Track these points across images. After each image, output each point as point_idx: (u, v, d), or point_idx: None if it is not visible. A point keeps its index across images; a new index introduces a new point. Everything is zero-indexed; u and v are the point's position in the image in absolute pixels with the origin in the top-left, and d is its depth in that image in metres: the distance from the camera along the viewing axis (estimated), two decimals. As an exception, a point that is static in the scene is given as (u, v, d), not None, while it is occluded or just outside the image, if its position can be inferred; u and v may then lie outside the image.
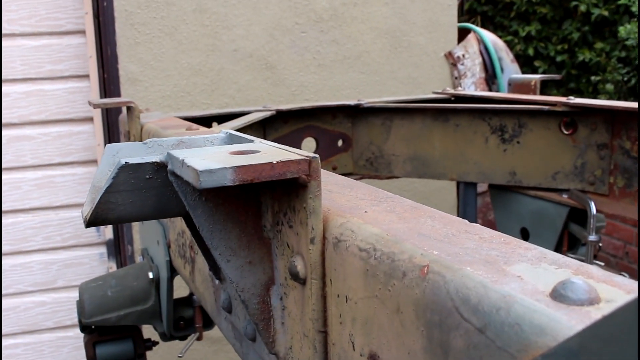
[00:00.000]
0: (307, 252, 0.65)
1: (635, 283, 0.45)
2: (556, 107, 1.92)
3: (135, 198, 0.72)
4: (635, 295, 0.41)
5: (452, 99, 2.41)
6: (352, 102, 2.28)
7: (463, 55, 3.30)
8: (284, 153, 0.65)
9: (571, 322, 0.39)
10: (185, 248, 1.29)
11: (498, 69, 3.43)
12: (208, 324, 1.61)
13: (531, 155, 2.04)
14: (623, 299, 0.42)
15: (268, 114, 2.06)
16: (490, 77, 3.45)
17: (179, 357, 1.65)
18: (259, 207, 0.74)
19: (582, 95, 6.03)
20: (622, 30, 5.29)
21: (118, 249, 3.01)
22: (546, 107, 1.94)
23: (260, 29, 2.85)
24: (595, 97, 5.69)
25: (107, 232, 2.99)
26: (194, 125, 1.46)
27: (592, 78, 5.94)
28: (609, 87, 5.58)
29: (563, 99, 1.93)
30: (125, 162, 0.69)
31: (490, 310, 0.43)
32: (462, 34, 3.44)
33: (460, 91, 2.43)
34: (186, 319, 1.60)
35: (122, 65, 2.66)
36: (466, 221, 0.62)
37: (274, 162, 0.60)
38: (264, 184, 0.64)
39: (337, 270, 0.62)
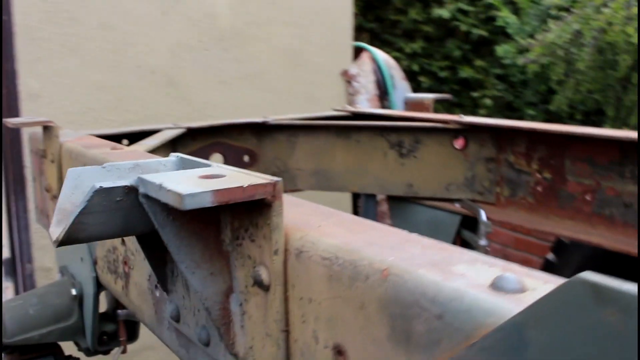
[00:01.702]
0: (270, 263, 0.74)
1: (546, 275, 0.58)
2: (449, 124, 2.12)
3: (105, 219, 0.78)
4: (553, 284, 0.55)
5: (351, 115, 2.57)
6: (259, 120, 2.38)
7: (358, 74, 3.50)
8: (248, 177, 0.74)
9: (510, 305, 0.51)
10: (117, 264, 1.32)
11: (390, 86, 3.66)
12: (132, 337, 1.64)
13: (426, 168, 2.23)
14: (543, 287, 0.55)
15: (179, 131, 2.11)
16: (383, 94, 3.67)
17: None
18: (219, 224, 0.82)
19: (463, 109, 6.48)
20: (500, 50, 5.77)
21: (14, 269, 2.91)
22: (440, 125, 2.14)
23: (164, 46, 2.89)
24: (475, 111, 6.15)
25: (4, 251, 2.88)
26: (118, 145, 1.50)
27: (473, 94, 6.42)
28: (488, 102, 6.05)
29: (455, 117, 2.13)
30: (100, 187, 0.75)
31: (445, 301, 0.55)
32: (356, 52, 3.64)
33: (359, 108, 2.60)
34: (108, 334, 1.62)
35: (23, 80, 2.59)
36: (405, 232, 0.74)
37: (245, 185, 0.70)
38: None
39: (300, 277, 0.72)
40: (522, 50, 5.85)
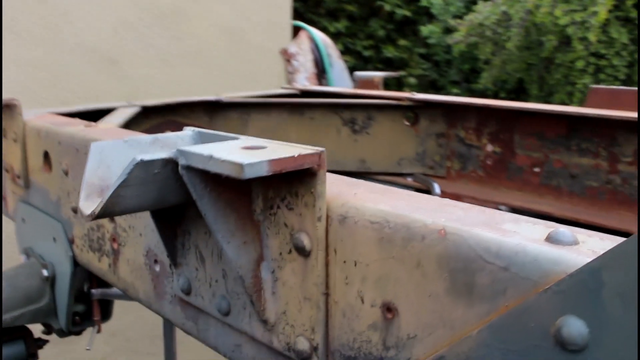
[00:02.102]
0: (313, 229, 0.77)
1: (585, 230, 0.65)
2: (403, 101, 2.20)
3: (141, 191, 0.79)
4: (597, 237, 0.62)
5: (300, 93, 2.60)
6: (212, 98, 2.37)
7: (297, 52, 3.52)
8: (290, 148, 0.77)
9: (573, 255, 0.57)
10: (102, 241, 1.31)
11: (327, 65, 3.69)
12: (105, 316, 1.62)
13: (379, 144, 2.31)
14: (591, 239, 0.62)
15: (136, 109, 2.07)
16: (321, 72, 3.71)
17: (87, 349, 1.63)
18: (250, 194, 0.84)
19: (387, 88, 6.62)
20: (425, 30, 5.94)
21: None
22: (394, 102, 2.21)
23: (104, 23, 2.80)
24: (400, 90, 6.32)
25: None
26: (92, 123, 1.47)
27: (398, 73, 6.57)
28: (413, 80, 6.22)
29: (408, 95, 2.21)
30: (141, 159, 0.76)
31: (510, 254, 0.60)
32: (294, 31, 3.65)
33: (307, 86, 2.63)
34: (80, 314, 1.60)
35: (-45, 57, 2.44)
36: (435, 197, 0.79)
37: (296, 155, 0.73)
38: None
39: (344, 241, 0.76)
40: (448, 30, 6.05)
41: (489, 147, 2.06)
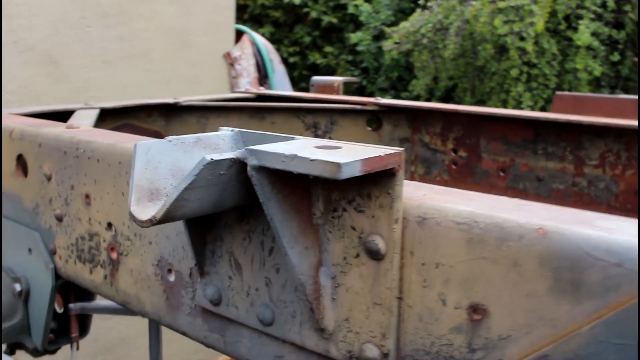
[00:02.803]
0: (389, 232, 0.75)
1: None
2: (368, 106, 2.21)
3: (204, 194, 0.74)
4: None
5: (256, 97, 2.55)
6: (170, 100, 2.28)
7: (240, 56, 3.46)
8: (367, 148, 0.75)
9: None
10: (96, 251, 1.23)
11: (270, 69, 3.67)
12: (83, 332, 1.52)
13: (342, 149, 2.30)
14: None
15: (96, 112, 1.96)
16: (263, 77, 3.67)
17: (71, 370, 1.52)
18: (310, 197, 0.81)
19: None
20: (354, 37, 6.00)
21: None
22: (359, 107, 2.21)
23: (44, 21, 2.63)
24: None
25: None
26: (74, 124, 1.38)
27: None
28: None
29: (372, 100, 2.22)
30: (212, 159, 0.71)
31: (622, 251, 0.61)
32: (236, 35, 3.60)
33: (263, 91, 2.59)
34: (54, 330, 1.49)
35: None
36: (503, 197, 0.80)
37: (382, 154, 0.71)
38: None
39: (423, 243, 0.74)
40: (377, 37, 6.16)
41: (455, 152, 2.11)
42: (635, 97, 1.81)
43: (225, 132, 0.90)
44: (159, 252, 1.08)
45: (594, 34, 6.28)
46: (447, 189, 0.83)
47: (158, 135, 2.33)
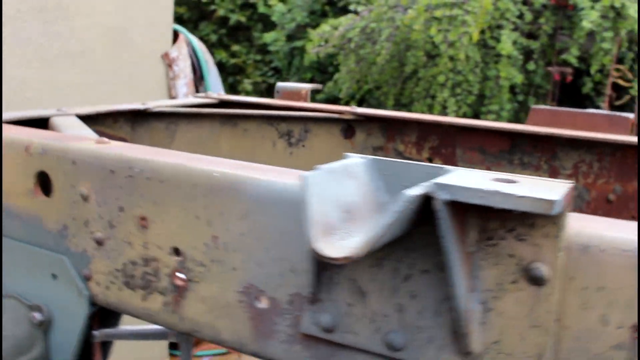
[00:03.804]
0: (553, 259, 0.79)
1: None
2: (344, 115, 2.23)
3: (395, 228, 0.75)
4: None
5: (218, 102, 2.49)
6: (139, 106, 2.17)
7: (177, 57, 3.35)
8: (541, 181, 0.79)
9: None
10: (155, 277, 1.16)
11: (206, 71, 3.58)
12: (104, 359, 1.43)
13: (315, 157, 2.31)
14: None
15: (73, 118, 1.83)
16: (198, 78, 3.58)
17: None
18: (464, 227, 0.84)
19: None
20: (267, 37, 5.98)
21: None
22: (335, 115, 2.23)
23: (-20, 15, 2.39)
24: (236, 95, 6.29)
25: None
26: (104, 139, 1.29)
27: (230, 78, 6.53)
28: (248, 86, 6.23)
29: (348, 109, 2.25)
30: (413, 195, 0.72)
31: None
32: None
33: (223, 96, 2.53)
34: (72, 361, 1.39)
35: None
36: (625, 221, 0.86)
37: (568, 191, 0.75)
38: (471, 205, 0.77)
39: (586, 270, 0.79)
40: (290, 38, 6.17)
41: (430, 161, 2.19)
42: (607, 112, 1.98)
43: (354, 160, 0.90)
44: (246, 278, 1.05)
45: (514, 43, 6.74)
46: (598, 217, 0.88)
47: (123, 141, 2.21)
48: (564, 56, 7.13)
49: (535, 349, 0.82)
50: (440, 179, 0.75)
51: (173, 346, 4.29)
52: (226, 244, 1.06)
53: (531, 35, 7.25)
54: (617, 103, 7.37)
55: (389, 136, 2.27)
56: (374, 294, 0.92)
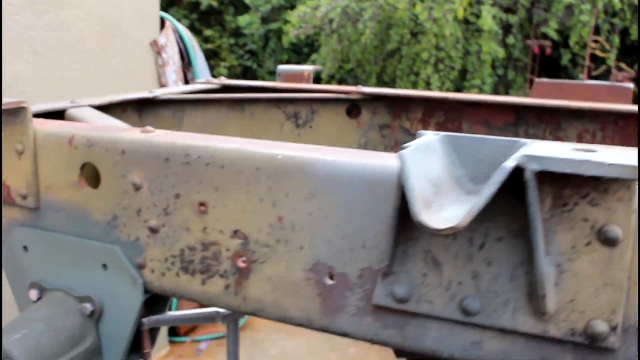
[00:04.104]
0: (627, 221, 0.85)
1: None
2: (351, 94, 2.27)
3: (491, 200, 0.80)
4: None
5: (221, 87, 2.50)
6: (148, 95, 2.17)
7: (166, 44, 3.33)
8: (616, 149, 0.85)
9: None
10: (215, 261, 1.19)
11: (193, 57, 3.56)
12: (153, 345, 1.45)
13: (322, 137, 2.35)
14: None
15: (88, 108, 1.83)
16: (186, 65, 3.56)
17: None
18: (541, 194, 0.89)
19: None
20: (241, 20, 5.94)
21: None
22: (343, 96, 2.27)
23: (-26, 8, 2.34)
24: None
25: None
26: (148, 128, 1.30)
27: (208, 62, 6.47)
28: (223, 70, 6.19)
29: (354, 88, 2.28)
30: (511, 166, 0.77)
31: None
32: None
33: (225, 81, 2.54)
34: (122, 348, 1.41)
35: None
36: None
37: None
38: (549, 174, 0.83)
39: (655, 231, 0.86)
40: (265, 20, 6.14)
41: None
42: (608, 83, 2.06)
43: (430, 136, 0.94)
44: (314, 256, 1.09)
45: (493, 18, 6.84)
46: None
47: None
48: (543, 29, 7.28)
49: (609, 306, 0.88)
50: (528, 151, 0.80)
51: (172, 334, 4.30)
52: (293, 224, 1.10)
53: (509, 10, 7.38)
54: (595, 73, 7.56)
55: (394, 114, 2.32)
56: (448, 263, 0.97)
